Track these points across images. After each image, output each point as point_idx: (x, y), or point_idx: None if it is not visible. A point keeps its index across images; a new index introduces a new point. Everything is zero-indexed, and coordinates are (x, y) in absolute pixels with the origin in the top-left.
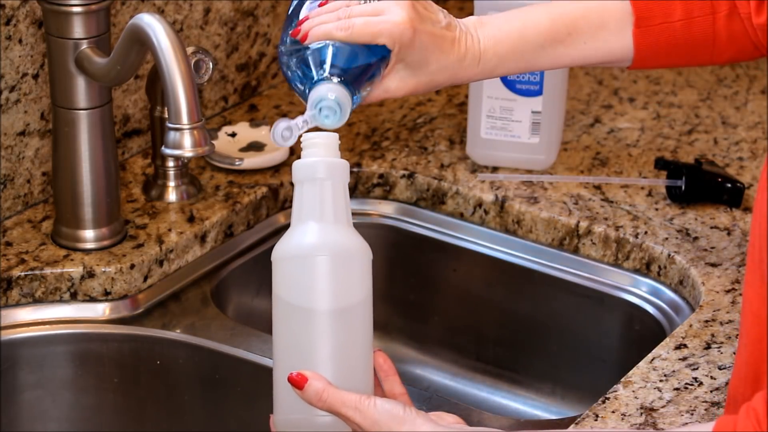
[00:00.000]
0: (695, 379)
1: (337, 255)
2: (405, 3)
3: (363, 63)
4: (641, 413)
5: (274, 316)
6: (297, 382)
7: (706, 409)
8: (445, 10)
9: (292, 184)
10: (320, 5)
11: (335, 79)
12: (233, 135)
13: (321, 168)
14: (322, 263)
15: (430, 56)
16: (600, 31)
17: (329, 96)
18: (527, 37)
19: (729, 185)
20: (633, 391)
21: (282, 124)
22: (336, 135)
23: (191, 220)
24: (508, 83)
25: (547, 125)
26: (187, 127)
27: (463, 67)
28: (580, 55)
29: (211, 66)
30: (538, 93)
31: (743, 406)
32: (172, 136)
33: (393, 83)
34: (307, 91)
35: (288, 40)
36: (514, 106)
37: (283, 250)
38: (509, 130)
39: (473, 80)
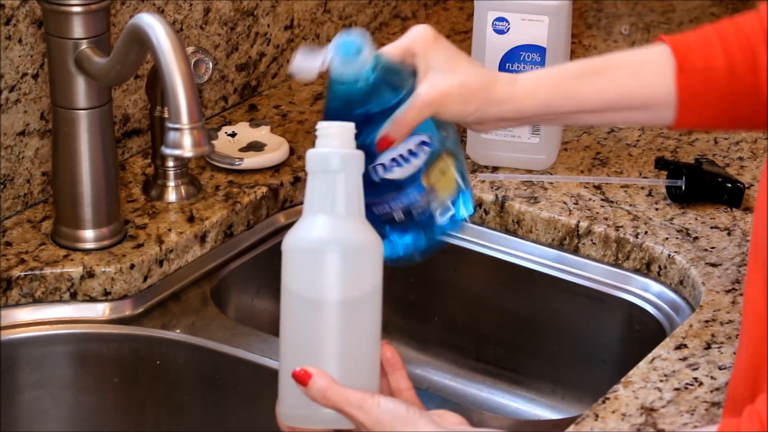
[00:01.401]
0: (695, 379)
1: (347, 250)
2: None
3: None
4: (641, 413)
5: (282, 308)
6: (301, 379)
7: (706, 410)
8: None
9: (291, 184)
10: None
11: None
12: (233, 135)
13: (335, 160)
14: (331, 259)
15: (458, 59)
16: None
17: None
18: (561, 75)
19: (729, 185)
20: (633, 391)
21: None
22: (352, 125)
23: (191, 220)
24: None
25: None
26: (187, 127)
27: (496, 82)
28: (618, 89)
29: (211, 66)
30: None
31: (746, 408)
32: (172, 136)
33: (424, 88)
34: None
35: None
36: None
37: (293, 242)
38: (509, 130)
39: (504, 113)
